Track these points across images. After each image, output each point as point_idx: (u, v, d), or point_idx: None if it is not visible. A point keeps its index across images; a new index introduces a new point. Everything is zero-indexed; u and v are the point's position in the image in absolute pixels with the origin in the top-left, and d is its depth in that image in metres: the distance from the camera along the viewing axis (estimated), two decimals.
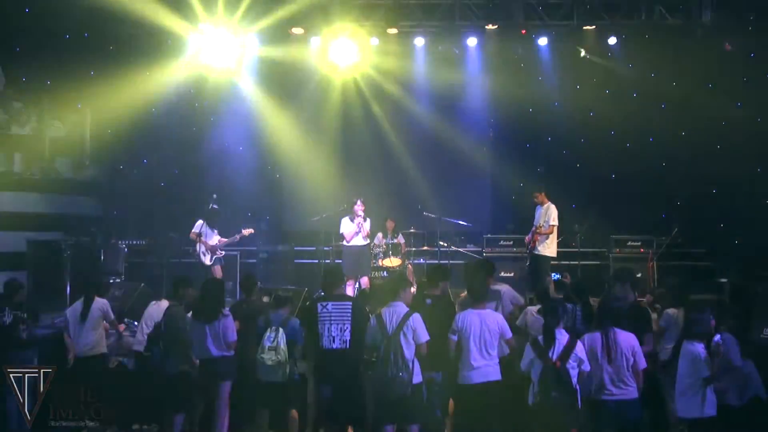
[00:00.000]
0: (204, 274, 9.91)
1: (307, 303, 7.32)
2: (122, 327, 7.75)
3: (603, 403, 5.25)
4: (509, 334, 5.85)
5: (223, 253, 10.04)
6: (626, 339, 5.31)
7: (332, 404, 5.76)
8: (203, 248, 9.75)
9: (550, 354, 5.15)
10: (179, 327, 6.43)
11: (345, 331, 5.72)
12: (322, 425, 6.07)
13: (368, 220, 9.81)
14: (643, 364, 5.33)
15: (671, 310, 6.32)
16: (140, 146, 12.42)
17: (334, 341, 5.74)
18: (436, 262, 10.55)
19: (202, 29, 11.55)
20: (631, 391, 5.26)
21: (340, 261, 10.80)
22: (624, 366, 5.23)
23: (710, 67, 11.47)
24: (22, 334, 6.72)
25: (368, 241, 9.82)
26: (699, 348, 5.29)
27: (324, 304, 5.83)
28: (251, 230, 10.12)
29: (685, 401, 5.32)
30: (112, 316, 7.30)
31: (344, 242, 9.89)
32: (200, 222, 9.81)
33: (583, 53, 12.06)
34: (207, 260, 9.79)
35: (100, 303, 7.16)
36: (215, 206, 9.94)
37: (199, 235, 9.68)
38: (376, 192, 10.75)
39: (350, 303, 5.89)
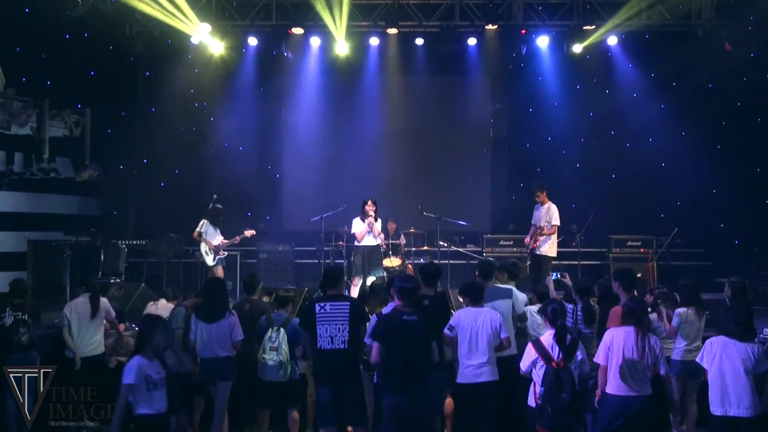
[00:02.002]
0: (204, 274, 9.92)
1: (306, 303, 7.31)
2: (122, 327, 7.74)
3: (622, 399, 5.22)
4: (506, 334, 5.84)
5: (225, 253, 10.02)
6: (654, 340, 5.32)
7: (331, 405, 5.75)
8: (206, 248, 9.73)
9: (554, 355, 5.13)
10: (173, 326, 6.43)
11: (343, 331, 5.68)
12: (322, 426, 6.06)
13: (379, 219, 9.90)
14: (663, 369, 5.33)
15: (681, 310, 6.31)
16: (140, 146, 12.42)
17: (332, 341, 5.69)
18: (436, 262, 10.55)
19: (201, 29, 11.56)
20: (647, 387, 5.25)
21: (341, 261, 10.84)
22: (647, 366, 5.23)
23: (710, 67, 11.48)
24: (21, 338, 6.67)
25: (379, 240, 9.87)
26: (752, 345, 5.18)
27: (322, 304, 5.80)
28: (253, 232, 10.11)
29: (729, 399, 5.12)
30: (113, 315, 7.30)
31: (355, 242, 9.95)
32: (203, 221, 9.81)
33: (580, 50, 12.06)
34: (210, 261, 9.76)
35: (103, 303, 7.16)
36: (219, 206, 9.93)
37: (200, 234, 9.68)
38: (376, 192, 10.73)
39: (348, 303, 5.86)
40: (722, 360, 5.15)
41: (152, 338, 5.09)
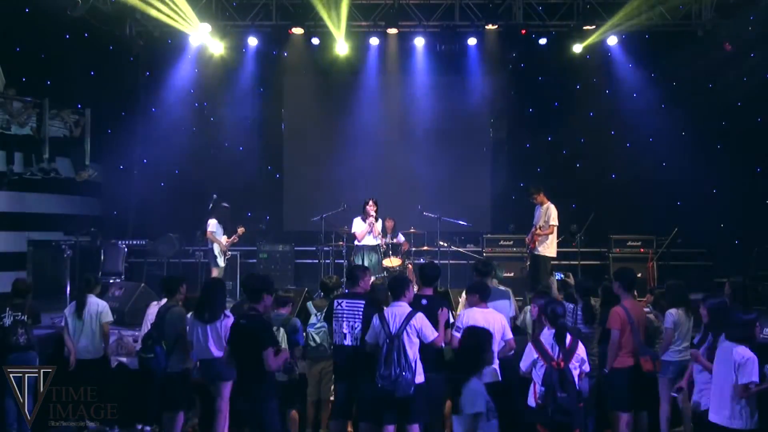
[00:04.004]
0: (204, 274, 9.91)
1: (306, 302, 7.39)
2: (113, 337, 7.56)
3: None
4: (509, 335, 5.84)
5: (229, 254, 10.01)
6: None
7: (344, 400, 5.82)
8: (218, 249, 9.70)
9: (554, 355, 5.13)
10: (180, 327, 6.41)
11: (356, 328, 5.76)
12: (333, 419, 6.11)
13: (380, 220, 9.91)
14: None
15: (673, 311, 6.29)
16: (140, 146, 12.42)
17: (345, 338, 5.80)
18: (436, 262, 10.54)
19: (201, 29, 11.56)
20: None
21: (341, 261, 10.84)
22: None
23: (710, 67, 11.48)
24: (20, 339, 6.62)
25: (379, 240, 9.88)
26: (745, 351, 4.89)
27: (339, 301, 5.91)
28: (243, 228, 10.09)
29: (725, 408, 4.90)
30: (107, 318, 7.02)
31: (355, 242, 9.95)
32: (213, 221, 9.78)
33: (580, 50, 12.05)
34: (221, 262, 9.71)
35: (94, 304, 7.00)
36: (225, 205, 9.94)
37: (213, 235, 9.66)
38: (376, 191, 10.75)
39: (363, 301, 5.89)
40: (721, 364, 5.07)
41: (485, 356, 4.72)
